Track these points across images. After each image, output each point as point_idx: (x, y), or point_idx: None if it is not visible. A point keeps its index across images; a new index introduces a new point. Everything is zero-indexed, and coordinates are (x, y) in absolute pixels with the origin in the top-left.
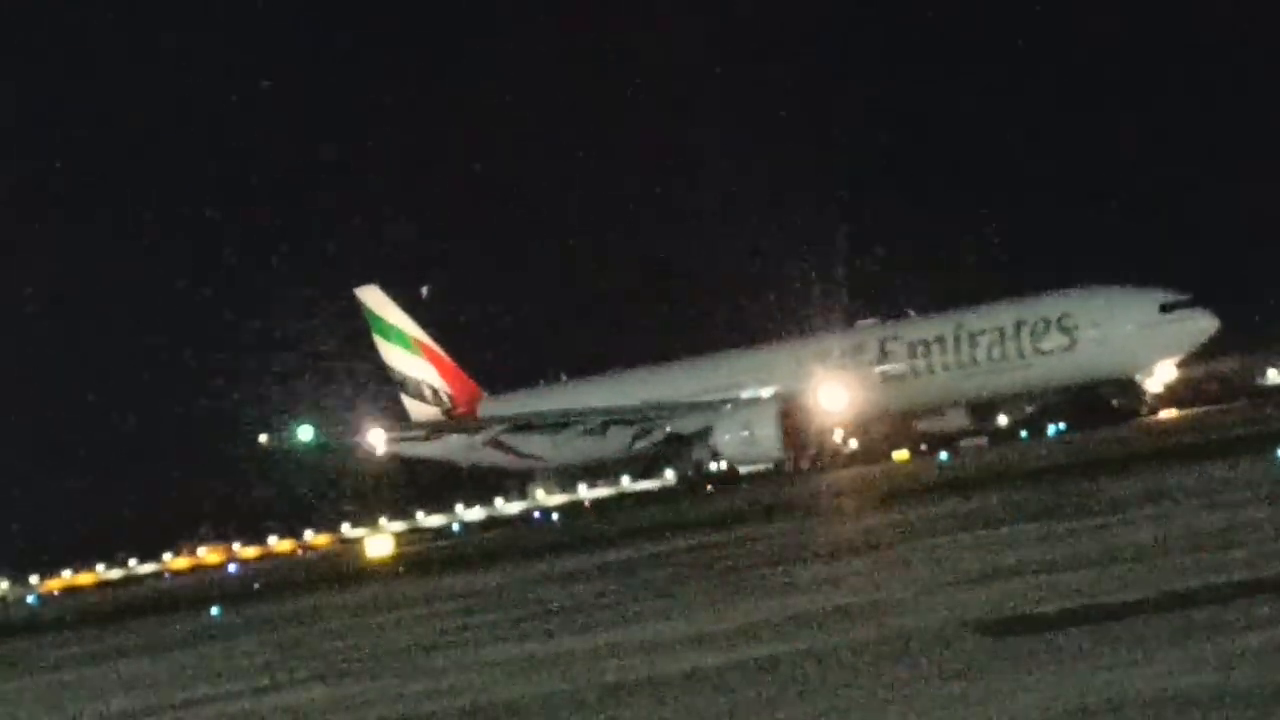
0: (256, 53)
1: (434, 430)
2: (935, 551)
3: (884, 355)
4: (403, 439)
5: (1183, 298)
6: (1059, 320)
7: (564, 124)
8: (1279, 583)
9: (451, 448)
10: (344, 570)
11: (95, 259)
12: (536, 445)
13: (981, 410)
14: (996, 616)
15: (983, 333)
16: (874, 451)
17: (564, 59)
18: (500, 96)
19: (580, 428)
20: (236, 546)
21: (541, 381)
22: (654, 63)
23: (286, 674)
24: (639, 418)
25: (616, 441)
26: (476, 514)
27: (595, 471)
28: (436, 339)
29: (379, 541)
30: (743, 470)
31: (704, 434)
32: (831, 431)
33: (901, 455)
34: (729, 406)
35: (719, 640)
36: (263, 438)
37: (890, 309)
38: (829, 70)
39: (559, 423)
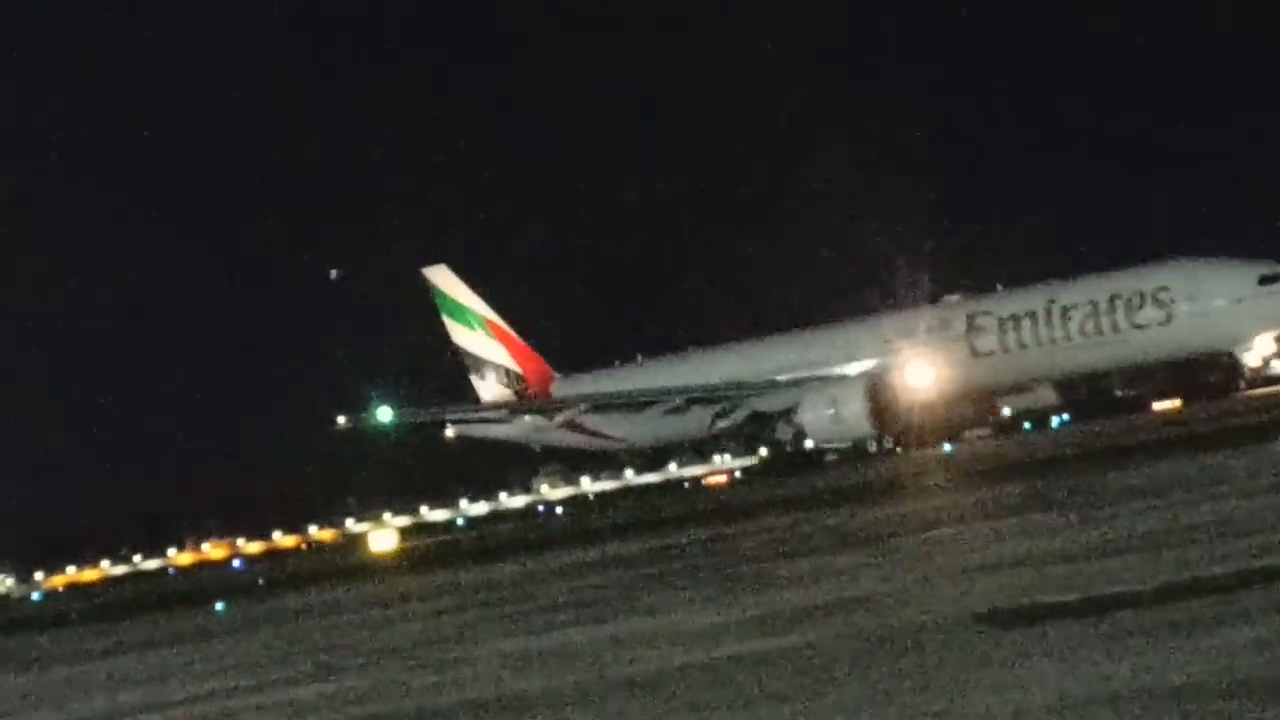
0: (320, 41)
1: (518, 409)
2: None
3: (973, 330)
4: (480, 420)
5: None
6: (1154, 293)
7: (638, 103)
8: None
9: (524, 429)
10: (350, 565)
11: (140, 247)
12: (614, 426)
13: (1067, 386)
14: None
15: (1075, 307)
16: (955, 430)
17: (640, 34)
18: (568, 77)
19: (662, 407)
20: (241, 542)
21: (617, 362)
22: (727, 38)
23: (290, 669)
24: (722, 397)
25: (697, 421)
26: (480, 508)
27: (600, 464)
28: (507, 319)
29: (383, 535)
30: (828, 447)
31: (788, 412)
32: (918, 409)
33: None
34: (815, 384)
35: (733, 631)
36: (340, 419)
37: (976, 283)
38: (910, 45)
39: (642, 402)
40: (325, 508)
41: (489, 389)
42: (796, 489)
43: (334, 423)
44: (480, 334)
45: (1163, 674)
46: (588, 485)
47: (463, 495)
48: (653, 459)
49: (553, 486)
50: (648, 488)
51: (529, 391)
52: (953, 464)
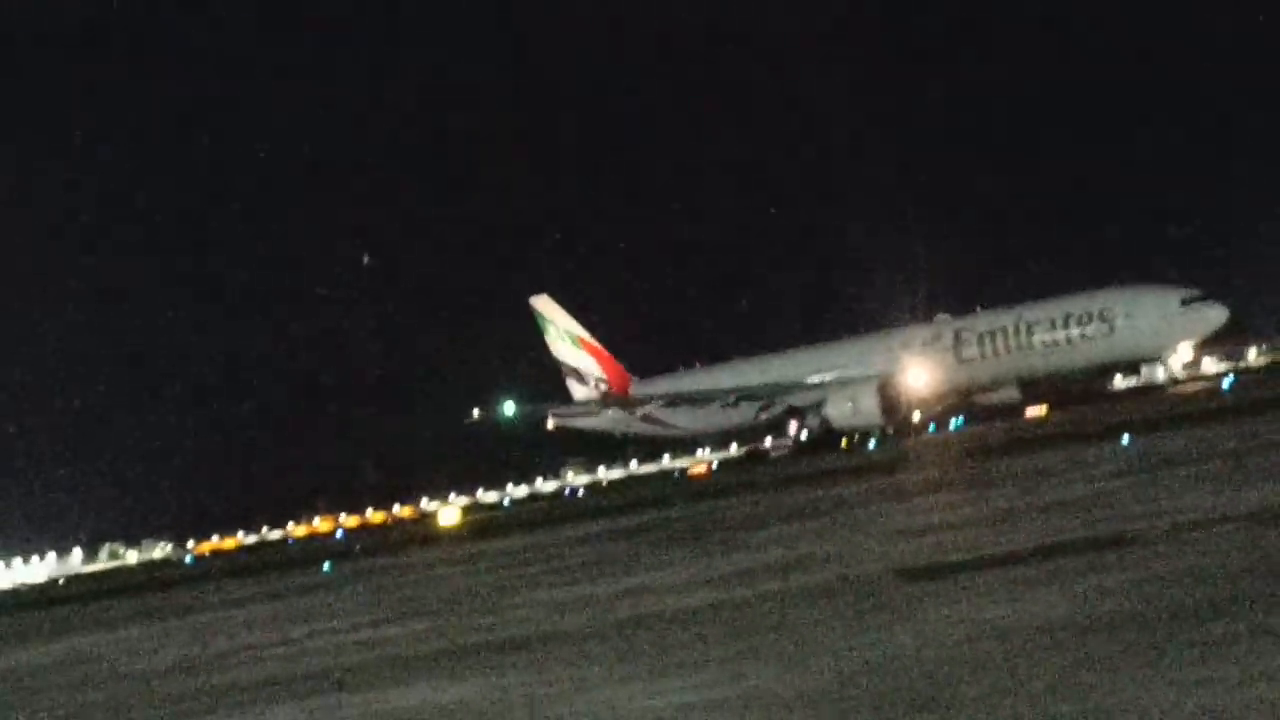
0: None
1: (606, 405)
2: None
3: (959, 343)
4: (579, 413)
5: (1199, 293)
6: (1100, 312)
7: (686, 158)
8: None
9: (610, 420)
10: (424, 536)
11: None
12: (680, 418)
13: (1029, 386)
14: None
15: (1039, 323)
16: (941, 421)
17: (683, 88)
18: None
19: (719, 402)
20: (342, 517)
21: (680, 368)
22: (762, 86)
23: (379, 613)
24: (766, 394)
25: (746, 413)
26: (521, 491)
27: (610, 456)
28: (595, 335)
29: (448, 512)
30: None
31: (817, 406)
32: (917, 404)
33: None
34: (837, 384)
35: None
36: (475, 412)
37: (960, 305)
38: (907, 88)
39: (704, 398)
40: (407, 490)
41: (581, 391)
42: (763, 475)
43: (470, 415)
44: (574, 348)
45: (1039, 613)
46: (603, 473)
47: (509, 481)
48: (650, 452)
49: (576, 474)
50: (647, 476)
51: (612, 392)
52: (921, 450)
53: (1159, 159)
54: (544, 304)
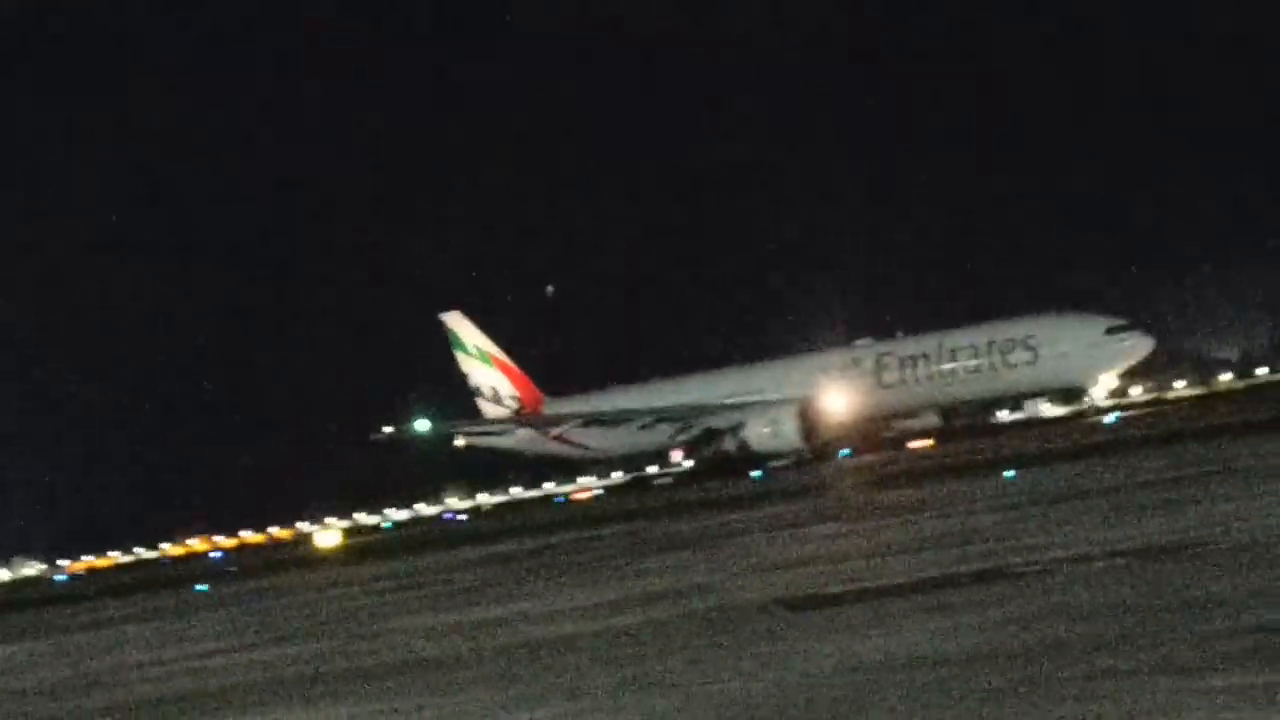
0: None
1: (519, 424)
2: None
3: (880, 368)
4: (486, 432)
5: (1124, 322)
6: (1024, 340)
7: (598, 182)
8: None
9: (521, 440)
10: (302, 558)
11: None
12: (594, 438)
13: (950, 413)
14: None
15: (961, 349)
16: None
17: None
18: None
19: (637, 423)
20: (218, 538)
21: (596, 388)
22: (662, 95)
23: (253, 636)
24: (684, 415)
25: (662, 435)
26: (401, 514)
27: (493, 481)
28: (507, 353)
29: (327, 535)
30: (762, 454)
31: (735, 429)
32: (837, 429)
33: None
34: (757, 407)
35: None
36: (386, 429)
37: (880, 330)
38: (831, 108)
39: (622, 419)
40: (283, 512)
41: (491, 409)
42: (645, 501)
43: (380, 431)
44: (486, 366)
45: (914, 647)
46: (484, 498)
47: (390, 505)
48: (534, 476)
49: (458, 498)
50: (530, 500)
51: (524, 411)
52: (822, 477)
53: (1091, 185)
54: (455, 320)
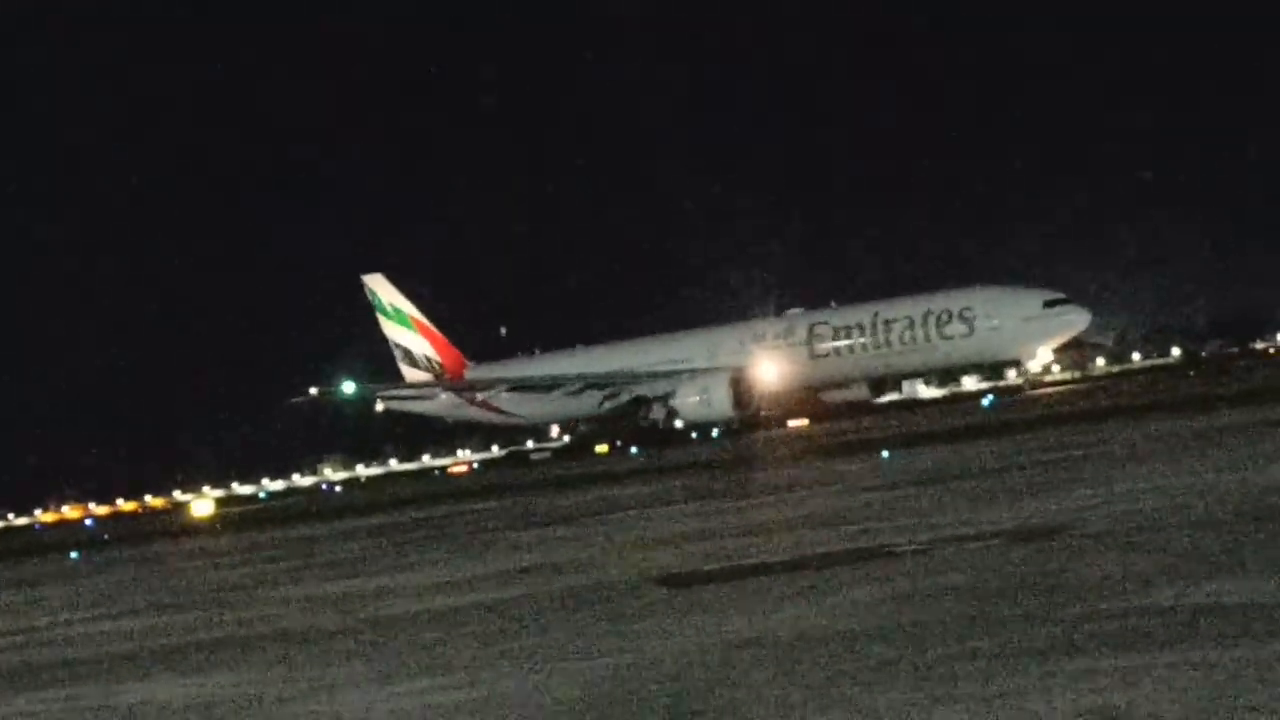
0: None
1: (445, 388)
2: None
3: (814, 338)
4: (408, 396)
5: (1061, 296)
6: (960, 312)
7: (532, 144)
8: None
9: (443, 406)
10: (177, 527)
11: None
12: (519, 405)
13: (880, 385)
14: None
15: (896, 320)
16: (782, 418)
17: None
18: (483, 98)
19: (565, 390)
20: (92, 505)
21: (518, 353)
22: (608, 69)
23: (127, 604)
24: (613, 382)
25: (589, 402)
26: (277, 485)
27: (372, 454)
28: (429, 317)
29: (202, 504)
30: (684, 425)
31: (665, 397)
32: (767, 398)
33: (801, 422)
34: (688, 375)
35: (465, 585)
36: (313, 390)
37: (811, 301)
38: (768, 70)
39: (548, 385)
40: (160, 480)
41: (413, 373)
42: (527, 476)
43: (306, 393)
44: (408, 330)
45: (786, 625)
46: (361, 470)
47: (266, 475)
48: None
49: (334, 470)
50: (407, 473)
51: (447, 376)
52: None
53: (1026, 155)
54: (377, 282)
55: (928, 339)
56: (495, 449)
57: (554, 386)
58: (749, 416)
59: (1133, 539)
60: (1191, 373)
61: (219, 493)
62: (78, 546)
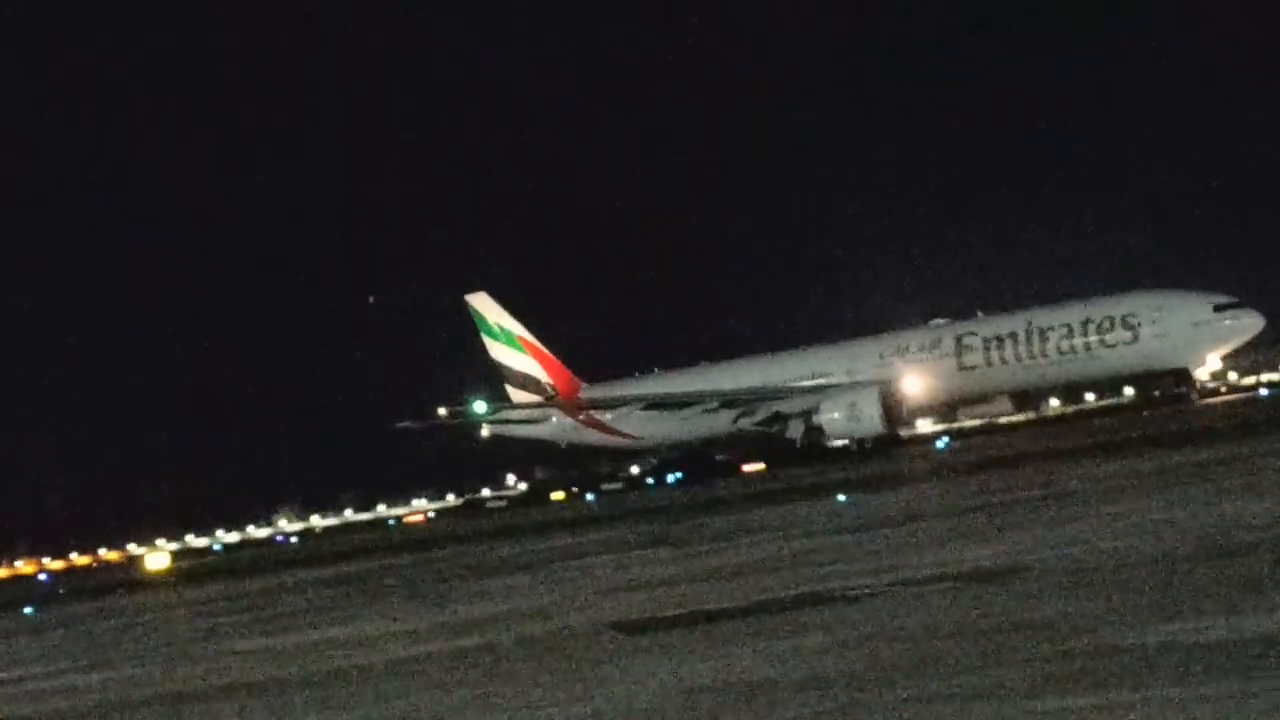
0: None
1: (577, 407)
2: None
3: (962, 349)
4: (519, 420)
5: (1233, 299)
6: (1123, 318)
7: (653, 147)
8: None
9: (553, 429)
10: (132, 580)
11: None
12: (642, 425)
13: (1024, 399)
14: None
15: (1052, 329)
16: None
17: (657, 67)
18: (584, 119)
19: (699, 409)
20: (46, 560)
21: (636, 373)
22: (749, 71)
23: (81, 659)
24: (750, 400)
25: (722, 421)
26: (232, 537)
27: (323, 503)
28: (538, 337)
29: (157, 557)
30: (837, 443)
31: (807, 414)
32: (913, 413)
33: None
34: (833, 390)
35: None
36: (441, 410)
37: (954, 311)
38: (897, 76)
39: (683, 403)
40: (113, 534)
41: (522, 396)
42: (479, 525)
43: (436, 414)
44: (516, 350)
45: (744, 671)
46: (316, 520)
47: (220, 527)
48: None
49: (289, 521)
50: (363, 523)
51: (560, 397)
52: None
53: (1181, 156)
54: (481, 301)
55: (1087, 348)
56: (451, 498)
57: (689, 404)
58: (896, 432)
59: (1088, 579)
60: None
61: (174, 546)
62: (31, 601)
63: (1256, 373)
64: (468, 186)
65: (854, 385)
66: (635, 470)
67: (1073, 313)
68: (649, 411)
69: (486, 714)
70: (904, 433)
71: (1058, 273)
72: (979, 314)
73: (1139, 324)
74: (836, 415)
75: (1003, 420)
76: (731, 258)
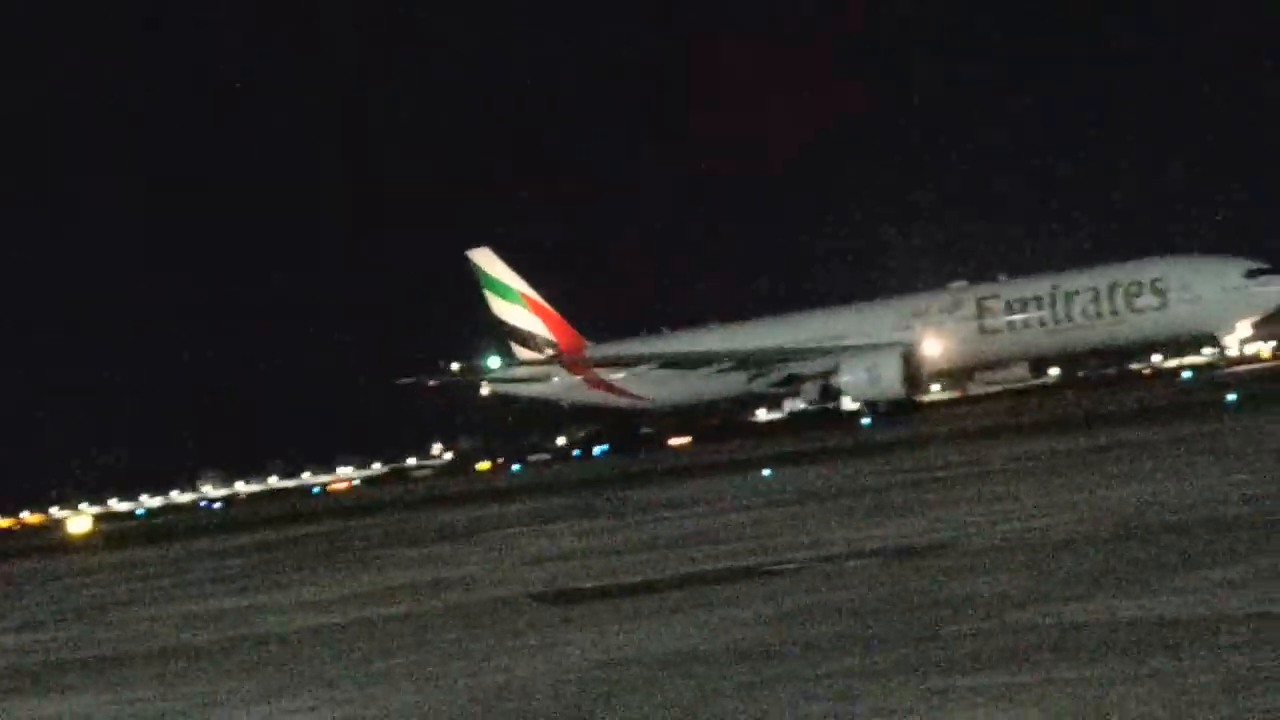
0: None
1: (587, 364)
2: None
3: (984, 312)
4: (526, 378)
5: (1265, 265)
6: (1152, 283)
7: (663, 100)
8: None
9: (557, 389)
10: (53, 544)
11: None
12: (650, 386)
13: (1041, 364)
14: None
15: (1078, 293)
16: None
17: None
18: (591, 74)
19: (712, 369)
20: None
21: (644, 332)
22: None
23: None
24: (767, 361)
25: (735, 382)
26: (156, 501)
27: (258, 469)
28: (542, 294)
29: (79, 521)
30: (854, 406)
31: (824, 375)
32: (933, 376)
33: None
34: (853, 351)
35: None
36: (454, 365)
37: (973, 273)
38: (913, 34)
39: (698, 362)
40: (36, 496)
41: (526, 354)
42: (408, 493)
43: (449, 370)
44: (519, 307)
45: (665, 643)
46: (241, 486)
47: (143, 492)
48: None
49: (214, 486)
50: (288, 490)
51: (564, 357)
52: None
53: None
54: (483, 257)
55: (1114, 313)
56: (377, 466)
57: (704, 364)
58: (917, 395)
59: (1011, 556)
60: None
61: (96, 510)
62: None
63: None
64: (473, 142)
65: (875, 347)
66: (561, 442)
67: (1099, 277)
68: (659, 372)
69: (406, 682)
70: (917, 398)
71: (1082, 237)
72: (1001, 277)
73: (1168, 289)
74: (857, 377)
75: (1019, 386)
76: (744, 219)
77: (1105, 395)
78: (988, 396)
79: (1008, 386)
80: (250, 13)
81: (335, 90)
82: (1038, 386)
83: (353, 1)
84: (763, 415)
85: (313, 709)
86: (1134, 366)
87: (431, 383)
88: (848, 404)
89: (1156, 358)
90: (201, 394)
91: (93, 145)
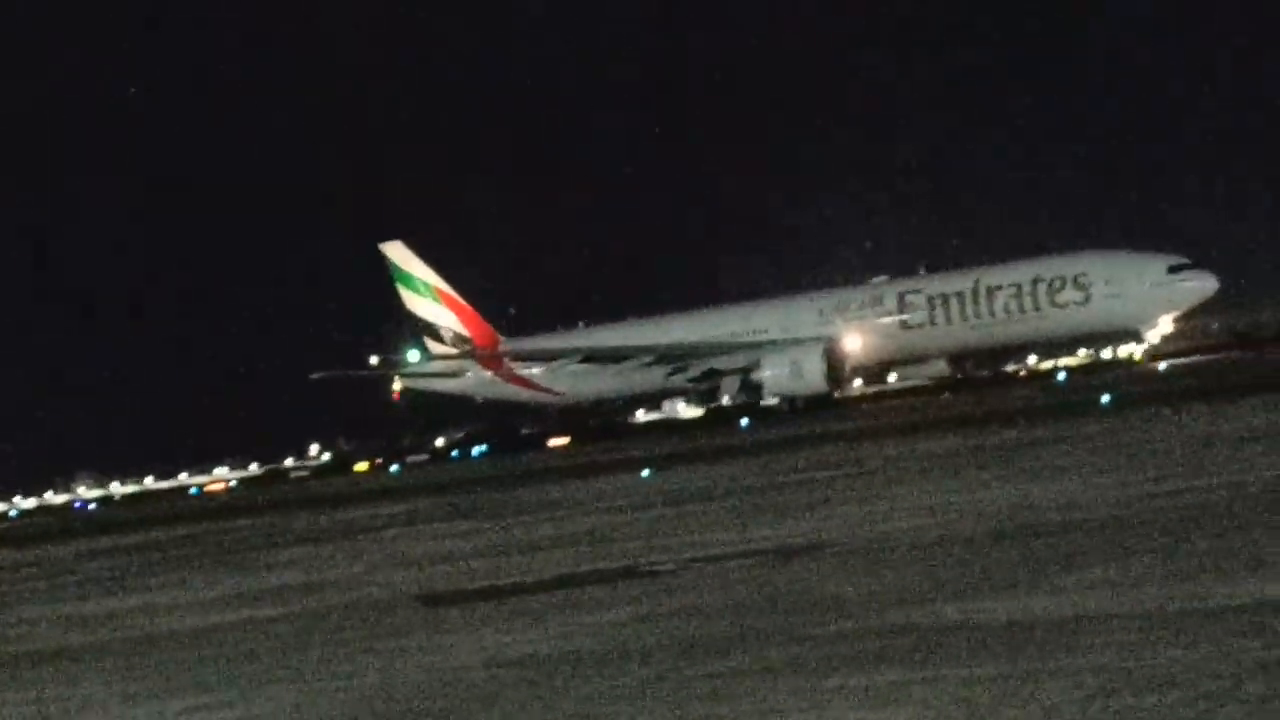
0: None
1: (512, 356)
2: None
3: (905, 307)
4: (434, 374)
5: (1186, 260)
6: (1075, 278)
7: (594, 92)
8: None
9: (471, 384)
10: None
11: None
12: (558, 381)
13: (961, 360)
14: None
15: (1000, 288)
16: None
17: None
18: (518, 54)
19: (633, 364)
20: None
21: (558, 326)
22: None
23: None
24: (686, 355)
25: (653, 377)
26: (29, 503)
27: (124, 470)
28: (456, 288)
29: None
30: (773, 402)
31: (745, 370)
32: (853, 371)
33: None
34: (775, 346)
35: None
36: (373, 359)
37: (894, 269)
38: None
39: (619, 357)
40: None
41: (439, 349)
42: (286, 494)
43: (368, 364)
44: (432, 302)
45: (546, 644)
46: (116, 488)
47: (15, 493)
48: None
49: (88, 488)
50: (165, 491)
51: (478, 351)
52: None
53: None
54: (396, 251)
55: (1037, 308)
56: (254, 467)
57: (625, 358)
58: (838, 390)
59: (888, 556)
60: None
61: None
62: None
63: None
64: (386, 133)
65: (797, 342)
66: (440, 442)
67: (1022, 272)
68: (578, 366)
69: (286, 684)
70: (839, 394)
71: (1005, 231)
72: (921, 271)
73: (1091, 284)
74: (778, 372)
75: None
76: (660, 210)
77: (1012, 392)
78: (907, 391)
79: (927, 381)
80: (250, 13)
81: (335, 90)
82: (955, 381)
83: (353, 1)
84: (641, 416)
85: (191, 711)
86: (1011, 368)
87: (331, 376)
88: (768, 399)
89: (1031, 359)
90: (77, 393)
91: (93, 145)
